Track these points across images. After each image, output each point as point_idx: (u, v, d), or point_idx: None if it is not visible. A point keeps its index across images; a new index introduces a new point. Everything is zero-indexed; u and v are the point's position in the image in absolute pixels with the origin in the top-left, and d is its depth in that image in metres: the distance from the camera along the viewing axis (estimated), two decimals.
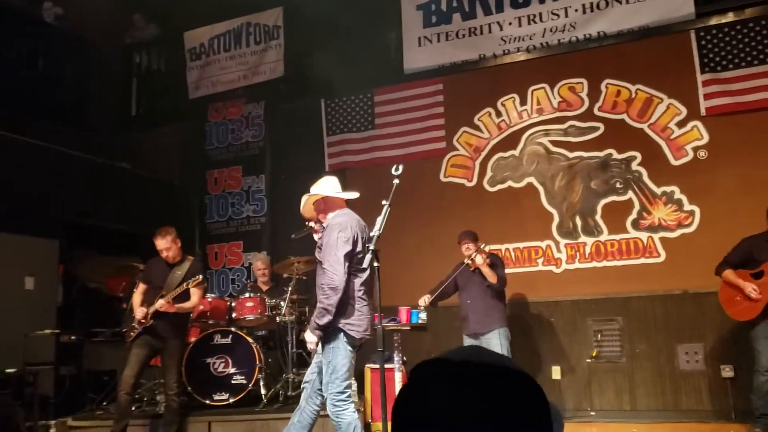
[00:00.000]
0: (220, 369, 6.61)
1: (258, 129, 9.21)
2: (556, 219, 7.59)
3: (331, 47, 8.91)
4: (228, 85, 9.51)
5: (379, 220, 4.02)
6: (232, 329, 6.75)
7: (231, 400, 6.49)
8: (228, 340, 6.69)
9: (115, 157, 8.93)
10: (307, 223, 5.03)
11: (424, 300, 6.33)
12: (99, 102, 9.75)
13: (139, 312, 5.85)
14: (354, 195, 4.91)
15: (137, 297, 6.07)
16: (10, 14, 8.83)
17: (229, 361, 6.61)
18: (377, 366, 6.52)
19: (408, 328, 6.34)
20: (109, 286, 8.24)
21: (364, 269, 4.50)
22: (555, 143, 7.71)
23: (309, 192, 4.78)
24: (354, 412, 4.47)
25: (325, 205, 4.73)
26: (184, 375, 6.32)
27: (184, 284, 5.76)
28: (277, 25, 9.22)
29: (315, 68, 9.01)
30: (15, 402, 6.21)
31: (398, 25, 8.49)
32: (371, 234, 3.97)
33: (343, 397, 4.42)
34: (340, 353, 4.41)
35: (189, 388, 6.45)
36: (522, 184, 7.77)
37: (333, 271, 4.31)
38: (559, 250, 7.53)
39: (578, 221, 7.50)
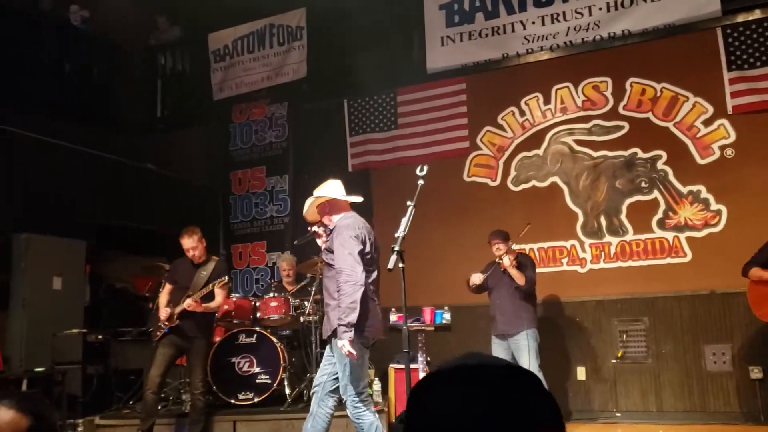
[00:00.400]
0: (244, 368, 6.65)
1: (281, 129, 9.25)
2: (581, 219, 7.54)
3: (353, 48, 8.94)
4: (251, 87, 9.57)
5: (404, 221, 4.02)
6: (257, 329, 6.78)
7: (256, 400, 6.52)
8: (252, 340, 6.73)
9: (141, 158, 9.03)
10: (310, 228, 5.01)
11: (479, 277, 6.27)
12: (125, 104, 9.87)
13: (164, 312, 5.90)
14: (358, 199, 4.88)
15: (163, 297, 6.13)
16: (38, 18, 8.98)
17: (254, 360, 6.65)
18: (401, 366, 6.56)
19: (432, 328, 6.34)
20: (135, 286, 8.32)
21: (372, 270, 4.52)
22: (579, 142, 7.66)
23: (313, 195, 4.78)
24: (374, 412, 4.48)
25: (331, 207, 4.73)
26: (210, 374, 6.37)
27: (210, 285, 5.81)
28: (300, 26, 9.26)
29: (338, 69, 9.04)
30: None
31: (421, 25, 8.48)
32: (396, 234, 3.97)
33: (362, 398, 4.43)
34: (355, 354, 4.41)
35: (214, 388, 6.50)
36: (546, 184, 7.73)
37: (350, 269, 4.32)
38: (583, 250, 7.48)
39: (603, 221, 7.44)
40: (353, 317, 4.27)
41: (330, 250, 4.53)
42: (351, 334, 4.26)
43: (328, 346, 4.59)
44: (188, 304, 5.66)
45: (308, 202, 4.82)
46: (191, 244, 5.95)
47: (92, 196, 7.68)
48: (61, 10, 9.53)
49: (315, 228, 4.86)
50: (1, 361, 6.04)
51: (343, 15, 8.91)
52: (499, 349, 6.18)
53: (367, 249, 4.51)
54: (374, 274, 4.56)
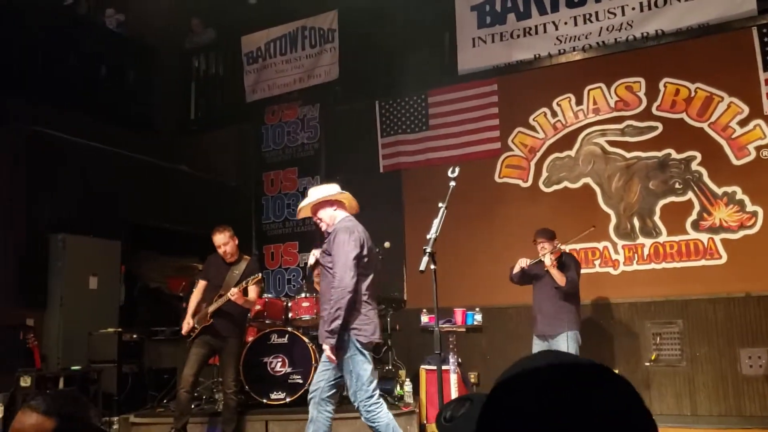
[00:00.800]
0: (276, 368, 6.70)
1: (313, 131, 9.31)
2: (614, 220, 7.47)
3: (385, 49, 8.97)
4: (284, 88, 9.65)
5: (436, 223, 4.02)
6: (289, 329, 6.83)
7: (287, 400, 6.56)
8: (284, 340, 6.77)
9: (175, 160, 9.17)
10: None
11: (525, 261, 6.22)
12: (159, 106, 10.03)
13: (185, 326, 5.96)
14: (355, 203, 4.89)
15: (195, 295, 6.18)
16: (74, 22, 9.16)
17: (286, 360, 6.69)
18: (433, 367, 6.56)
19: (463, 329, 6.33)
20: (169, 286, 8.45)
21: (368, 274, 4.54)
22: (612, 143, 7.59)
23: (309, 196, 4.82)
24: (388, 412, 4.48)
25: (334, 206, 4.76)
26: (242, 374, 6.43)
27: (244, 282, 5.84)
28: (332, 28, 9.32)
29: (369, 70, 9.08)
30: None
31: (452, 27, 8.47)
32: (428, 236, 3.98)
33: (374, 400, 4.44)
34: (359, 359, 4.43)
35: (246, 387, 6.55)
36: (578, 185, 7.68)
37: (342, 273, 4.36)
38: (616, 252, 7.41)
39: (636, 222, 7.36)
40: (336, 324, 4.32)
41: (328, 253, 4.55)
42: (333, 341, 4.33)
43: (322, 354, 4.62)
44: (233, 292, 5.68)
45: (303, 203, 4.84)
46: (222, 240, 6.00)
47: (127, 197, 7.82)
48: (97, 14, 9.72)
49: (315, 256, 4.88)
50: (39, 359, 6.17)
51: (375, 17, 8.94)
52: (538, 350, 6.11)
53: (365, 252, 4.53)
54: (370, 278, 4.58)
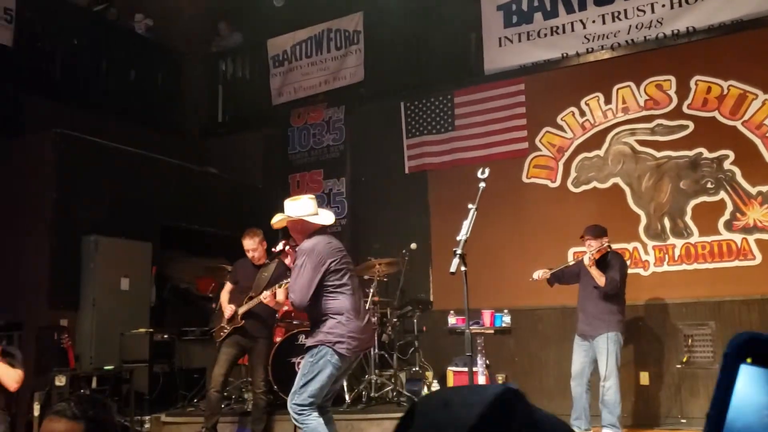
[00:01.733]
0: None
1: (339, 133, 9.33)
2: (644, 220, 7.38)
3: (410, 50, 8.97)
4: (309, 91, 9.69)
5: (466, 224, 4.00)
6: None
7: None
8: None
9: (203, 162, 9.26)
10: (274, 248, 5.12)
11: (538, 274, 6.18)
12: (187, 109, 10.14)
13: (228, 310, 6.01)
14: (329, 221, 4.87)
15: (224, 296, 6.25)
16: (105, 28, 9.30)
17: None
18: (460, 369, 6.55)
19: (491, 331, 6.31)
20: (198, 287, 8.53)
21: (345, 285, 4.54)
22: (642, 143, 7.50)
23: (284, 210, 4.78)
24: (317, 416, 4.47)
25: (297, 226, 4.73)
26: (270, 374, 6.46)
27: (276, 286, 5.85)
28: (357, 30, 9.34)
29: (394, 71, 9.08)
30: (113, 398, 6.53)
31: (478, 26, 8.44)
32: (458, 238, 3.96)
33: (306, 409, 4.44)
34: (318, 369, 4.42)
35: (275, 387, 6.59)
36: (607, 185, 7.60)
37: (295, 290, 4.46)
38: (646, 252, 7.32)
39: (667, 222, 7.27)
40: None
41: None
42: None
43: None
44: (265, 295, 5.71)
45: (277, 217, 4.81)
46: (252, 245, 6.05)
47: (157, 199, 7.91)
48: (126, 20, 9.86)
49: (281, 246, 4.87)
50: (73, 359, 6.26)
51: (400, 18, 8.95)
52: (579, 350, 6.07)
53: (331, 268, 4.52)
54: (347, 291, 4.56)
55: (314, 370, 4.43)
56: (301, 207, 4.73)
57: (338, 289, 4.54)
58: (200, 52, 10.57)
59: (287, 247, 4.82)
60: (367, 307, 4.83)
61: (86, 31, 9.02)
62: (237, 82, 10.66)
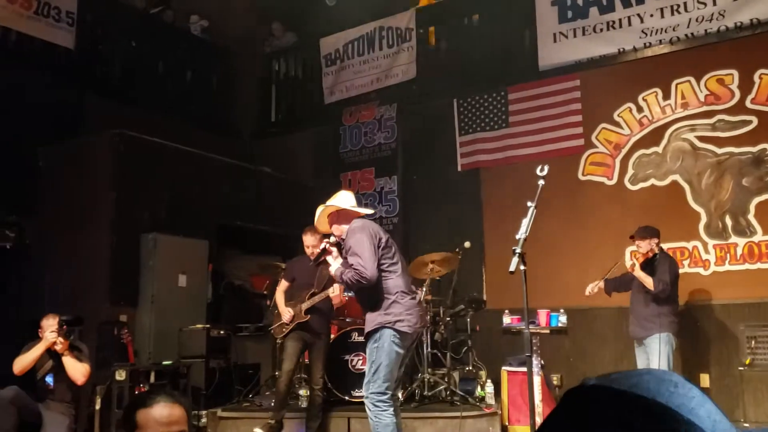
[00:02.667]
0: (357, 366, 6.74)
1: (390, 131, 9.33)
2: (704, 218, 7.19)
3: (463, 47, 8.91)
4: (361, 89, 9.72)
5: (525, 222, 3.96)
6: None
7: None
8: (364, 339, 6.81)
9: (257, 161, 9.38)
10: (319, 243, 5.16)
11: (592, 287, 6.14)
12: (242, 109, 10.29)
13: (287, 313, 6.06)
14: (369, 211, 4.96)
15: (280, 295, 6.30)
16: (161, 29, 9.50)
17: (366, 358, 6.73)
18: (514, 369, 6.47)
19: (547, 331, 6.22)
20: (253, 284, 8.64)
21: (395, 264, 4.58)
22: (702, 139, 7.30)
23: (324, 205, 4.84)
24: (393, 414, 4.45)
25: (339, 217, 4.77)
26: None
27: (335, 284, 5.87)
28: (409, 27, 9.32)
29: (447, 68, 9.04)
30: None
31: (532, 22, 8.33)
32: (517, 236, 3.91)
33: (384, 398, 4.43)
34: (384, 352, 4.42)
35: (329, 384, 6.63)
36: (666, 182, 7.42)
37: (362, 265, 4.38)
38: (707, 251, 7.13)
39: (728, 221, 7.06)
40: (345, 283, 4.56)
41: (348, 253, 4.58)
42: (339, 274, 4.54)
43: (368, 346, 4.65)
44: (335, 289, 5.76)
45: (319, 210, 4.87)
46: (312, 242, 6.07)
47: (213, 197, 8.04)
48: (182, 22, 10.05)
49: (325, 244, 4.84)
50: (132, 354, 6.40)
51: (453, 14, 8.90)
52: (639, 353, 6.03)
53: (383, 245, 4.57)
54: (398, 270, 4.60)
55: (381, 354, 4.43)
56: (343, 199, 4.85)
57: (390, 268, 4.58)
58: (254, 52, 10.70)
59: (327, 245, 4.82)
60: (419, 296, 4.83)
61: (144, 33, 9.23)
62: (290, 81, 10.76)
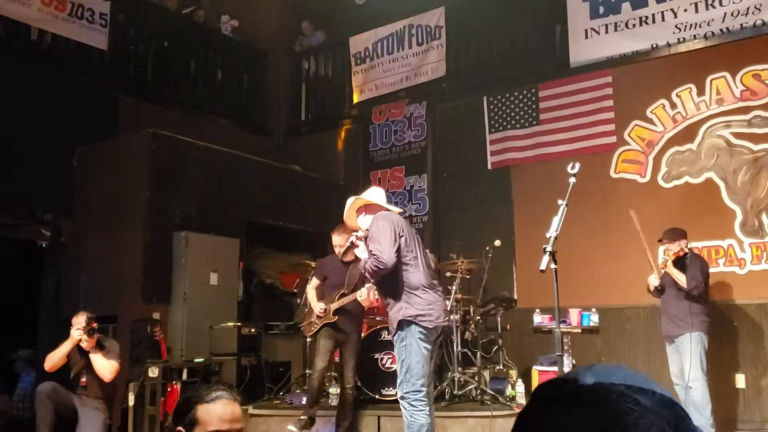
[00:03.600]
0: (387, 365, 6.75)
1: (420, 129, 9.31)
2: (739, 216, 7.05)
3: (493, 44, 8.86)
4: (390, 87, 9.71)
5: (556, 220, 3.92)
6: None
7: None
8: (394, 337, 6.81)
9: (287, 160, 9.43)
10: (346, 243, 5.18)
11: (655, 278, 6.11)
12: (272, 108, 10.36)
13: (318, 308, 6.09)
14: (397, 209, 4.93)
15: (312, 293, 6.34)
16: (193, 29, 9.60)
17: (396, 357, 6.72)
18: (545, 368, 6.44)
19: (579, 330, 6.17)
20: (283, 282, 8.70)
21: (416, 258, 4.57)
22: (737, 135, 7.16)
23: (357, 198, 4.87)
24: (428, 415, 4.42)
25: (367, 211, 4.79)
26: None
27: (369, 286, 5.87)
28: (439, 25, 9.29)
29: (477, 66, 9.00)
30: None
31: (563, 18, 8.25)
32: (548, 235, 3.88)
33: (420, 396, 4.39)
34: (413, 350, 4.39)
35: (359, 383, 6.64)
36: (700, 180, 7.29)
37: (380, 250, 4.37)
38: (742, 250, 6.99)
39: (765, 219, 6.92)
40: (367, 271, 4.50)
41: (371, 240, 4.57)
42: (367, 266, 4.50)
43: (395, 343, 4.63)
44: (362, 293, 5.74)
45: (349, 202, 4.91)
46: (340, 241, 6.09)
47: (244, 196, 8.10)
48: (213, 21, 10.15)
49: (353, 237, 4.87)
50: (165, 351, 6.49)
51: (482, 12, 8.86)
52: (671, 352, 5.99)
53: (404, 237, 4.55)
54: (420, 264, 4.59)
55: (410, 351, 4.42)
56: (374, 194, 4.90)
57: (412, 262, 4.57)
58: (284, 51, 10.76)
59: (354, 239, 4.86)
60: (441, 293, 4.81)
61: (175, 33, 9.34)
62: (319, 80, 10.80)
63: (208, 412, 2.07)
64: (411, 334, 4.43)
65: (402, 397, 4.46)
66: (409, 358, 4.42)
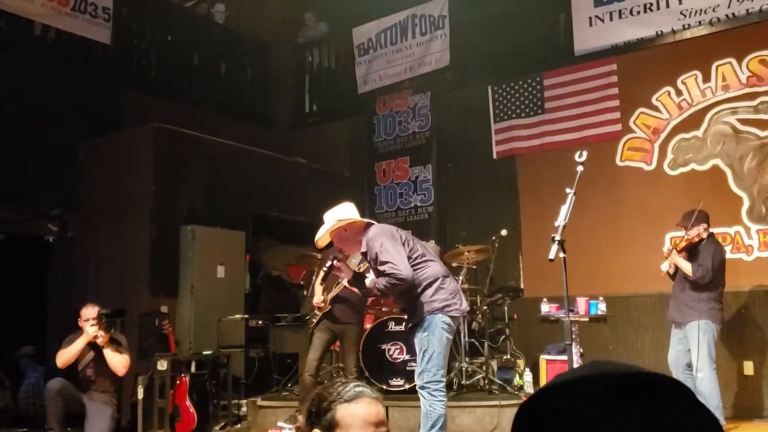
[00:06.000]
0: (395, 355, 6.76)
1: (424, 119, 9.29)
2: (746, 203, 7.03)
3: (497, 33, 8.82)
4: (394, 78, 9.68)
5: (564, 209, 3.91)
6: (406, 317, 6.86)
7: (406, 386, 6.59)
8: (402, 328, 6.80)
9: (292, 152, 9.43)
10: (324, 268, 5.12)
11: (667, 265, 6.03)
12: (276, 101, 10.34)
13: (317, 297, 6.11)
14: (370, 220, 4.87)
15: (318, 285, 6.35)
16: (196, 22, 9.59)
17: (404, 348, 6.73)
18: (553, 357, 6.44)
19: (586, 319, 6.17)
20: (289, 274, 8.71)
21: (424, 255, 4.56)
22: (743, 122, 7.13)
23: (325, 222, 4.72)
24: (445, 405, 4.43)
25: (350, 231, 4.65)
26: (362, 360, 6.53)
27: (362, 265, 5.87)
28: (442, 14, 9.25)
29: (481, 55, 8.96)
30: (211, 381, 6.77)
31: (567, 6, 8.20)
32: (556, 224, 3.87)
33: (440, 386, 4.41)
34: (436, 339, 4.40)
35: (366, 373, 6.66)
36: (706, 167, 7.26)
37: (396, 264, 4.31)
38: (749, 237, 6.97)
39: None
40: (382, 291, 4.49)
41: (377, 263, 4.47)
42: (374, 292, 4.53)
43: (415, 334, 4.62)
44: (347, 273, 5.75)
45: (323, 228, 4.71)
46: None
47: (249, 189, 8.11)
48: (215, 14, 10.12)
49: (334, 261, 4.76)
50: (173, 344, 6.51)
51: (486, 0, 8.81)
52: (674, 338, 5.93)
53: (407, 241, 4.55)
54: (431, 262, 4.58)
55: (432, 341, 4.41)
56: (346, 210, 4.74)
57: (421, 259, 4.57)
58: (288, 43, 10.74)
59: (336, 261, 4.75)
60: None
61: (179, 27, 9.33)
62: (323, 72, 10.77)
63: (350, 414, 1.85)
64: (436, 323, 4.43)
65: (422, 387, 4.45)
66: (432, 348, 4.41)
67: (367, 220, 4.87)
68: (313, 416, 1.90)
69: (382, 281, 4.40)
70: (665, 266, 6.06)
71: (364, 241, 4.57)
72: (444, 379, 4.50)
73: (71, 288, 7.62)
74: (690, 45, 7.48)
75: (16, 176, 7.10)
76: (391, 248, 4.42)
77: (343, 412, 1.84)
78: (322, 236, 4.75)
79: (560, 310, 6.53)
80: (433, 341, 4.42)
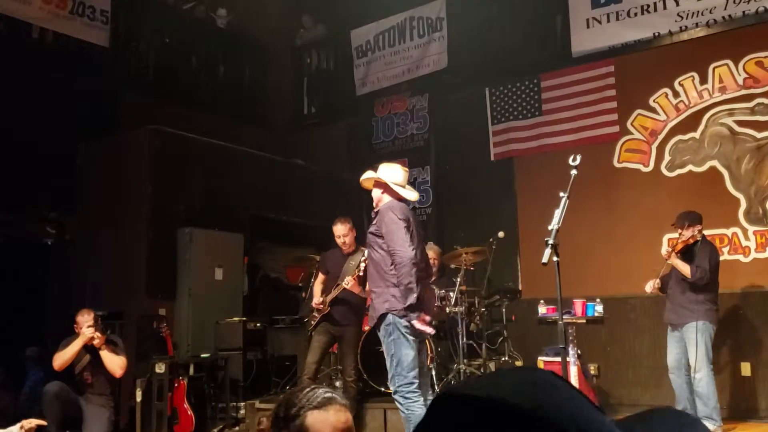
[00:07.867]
0: None
1: (422, 121, 9.30)
2: (743, 204, 7.04)
3: (494, 35, 8.83)
4: (393, 80, 9.69)
5: (557, 213, 3.92)
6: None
7: None
8: None
9: (290, 154, 9.43)
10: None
11: (651, 285, 6.06)
12: (274, 103, 10.35)
13: (316, 299, 6.12)
14: (412, 197, 4.87)
15: (317, 287, 6.36)
16: (193, 24, 9.60)
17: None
18: (550, 359, 6.44)
19: (583, 321, 6.17)
20: (288, 276, 8.72)
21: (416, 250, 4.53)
22: (740, 123, 7.14)
23: (377, 171, 4.82)
24: (423, 405, 4.40)
25: (384, 192, 4.74)
26: (360, 362, 6.53)
27: (356, 271, 5.89)
28: (440, 17, 9.26)
29: (478, 57, 8.96)
30: (209, 384, 6.77)
31: (564, 8, 8.22)
32: (550, 227, 3.88)
33: (412, 388, 4.40)
34: (403, 343, 4.40)
35: (365, 375, 6.66)
36: (704, 168, 7.27)
37: (401, 248, 4.34)
38: (747, 238, 6.98)
39: None
40: (412, 298, 4.32)
41: (377, 234, 4.54)
42: (414, 315, 4.34)
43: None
44: (348, 281, 5.79)
45: (367, 174, 4.84)
46: (342, 231, 6.11)
47: (247, 191, 8.11)
48: (213, 16, 10.13)
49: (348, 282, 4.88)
50: (171, 347, 6.51)
51: (484, 3, 8.82)
52: (672, 341, 5.94)
53: (411, 232, 4.53)
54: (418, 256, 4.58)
55: (399, 345, 4.43)
56: (392, 173, 4.78)
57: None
58: (285, 45, 10.75)
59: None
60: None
61: (176, 29, 9.33)
62: (321, 74, 10.78)
63: (320, 420, 1.87)
64: (397, 328, 4.43)
65: (395, 392, 4.46)
66: (398, 352, 4.42)
67: (403, 195, 4.80)
68: (281, 421, 1.92)
69: (403, 283, 4.39)
70: (649, 287, 6.07)
71: (386, 205, 4.64)
72: (416, 381, 4.46)
73: (69, 290, 7.62)
74: (687, 47, 7.49)
75: (14, 179, 7.10)
76: (396, 232, 4.46)
77: (313, 418, 1.86)
78: (366, 179, 4.85)
79: (557, 312, 6.53)
80: (399, 345, 4.43)
